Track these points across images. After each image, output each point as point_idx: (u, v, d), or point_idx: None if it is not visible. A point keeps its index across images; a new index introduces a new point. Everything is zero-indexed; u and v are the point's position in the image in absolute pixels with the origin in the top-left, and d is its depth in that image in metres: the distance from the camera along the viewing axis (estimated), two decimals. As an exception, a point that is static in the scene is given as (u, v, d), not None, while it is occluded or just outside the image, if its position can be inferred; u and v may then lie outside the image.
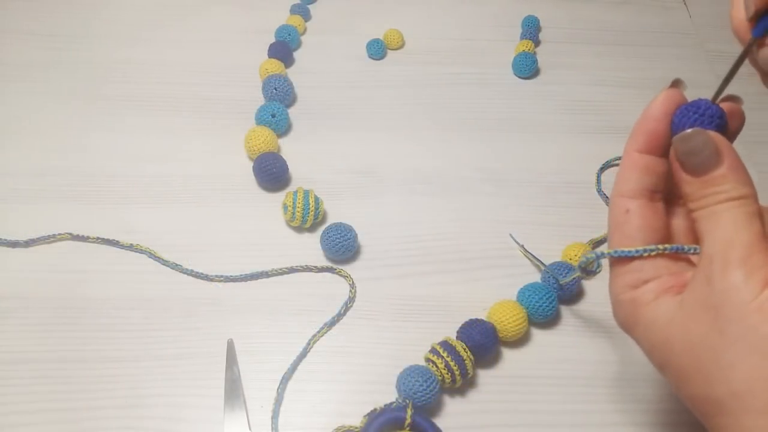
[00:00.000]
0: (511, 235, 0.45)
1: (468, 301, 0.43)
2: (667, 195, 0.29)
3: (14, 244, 0.44)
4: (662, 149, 0.28)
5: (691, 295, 0.25)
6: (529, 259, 0.44)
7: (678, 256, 0.27)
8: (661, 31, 0.65)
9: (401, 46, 0.61)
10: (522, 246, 0.44)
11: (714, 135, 0.26)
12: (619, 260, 0.28)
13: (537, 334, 0.42)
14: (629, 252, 0.27)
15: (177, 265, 0.44)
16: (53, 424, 0.37)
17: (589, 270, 0.32)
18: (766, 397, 0.23)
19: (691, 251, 0.27)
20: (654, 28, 0.65)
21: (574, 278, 0.39)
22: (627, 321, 0.28)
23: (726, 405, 0.24)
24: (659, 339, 0.26)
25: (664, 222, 0.28)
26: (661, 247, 0.27)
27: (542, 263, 0.43)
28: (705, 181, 0.25)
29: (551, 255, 0.45)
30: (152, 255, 0.44)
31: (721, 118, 0.26)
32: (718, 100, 0.27)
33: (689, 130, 0.26)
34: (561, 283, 0.41)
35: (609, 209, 0.29)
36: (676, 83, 0.28)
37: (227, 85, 0.56)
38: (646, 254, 0.27)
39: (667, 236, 0.28)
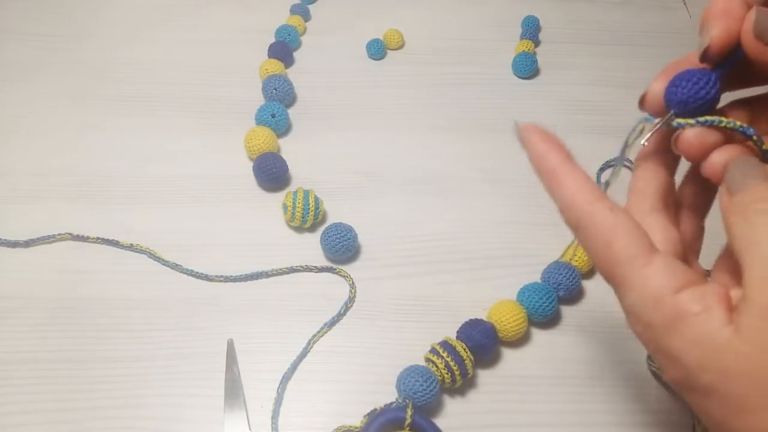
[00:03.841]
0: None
1: (468, 301, 0.43)
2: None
3: (14, 244, 0.44)
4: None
5: (751, 330, 0.21)
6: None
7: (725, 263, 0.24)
8: (661, 31, 0.64)
9: (401, 46, 0.61)
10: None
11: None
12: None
13: (537, 334, 0.42)
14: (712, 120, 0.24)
15: (177, 265, 0.44)
16: (53, 424, 0.37)
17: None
18: None
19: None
20: (654, 28, 0.65)
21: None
22: (663, 325, 0.22)
23: None
24: (709, 363, 0.21)
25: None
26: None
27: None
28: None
29: (551, 255, 0.45)
30: (152, 255, 0.44)
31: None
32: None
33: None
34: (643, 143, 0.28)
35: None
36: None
37: (227, 85, 0.56)
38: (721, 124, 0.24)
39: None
